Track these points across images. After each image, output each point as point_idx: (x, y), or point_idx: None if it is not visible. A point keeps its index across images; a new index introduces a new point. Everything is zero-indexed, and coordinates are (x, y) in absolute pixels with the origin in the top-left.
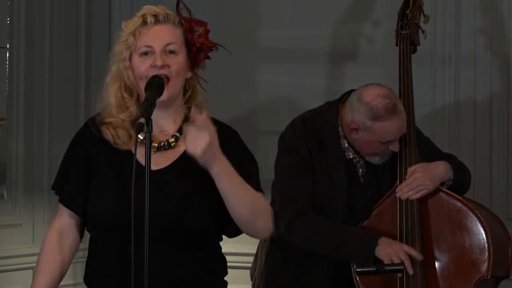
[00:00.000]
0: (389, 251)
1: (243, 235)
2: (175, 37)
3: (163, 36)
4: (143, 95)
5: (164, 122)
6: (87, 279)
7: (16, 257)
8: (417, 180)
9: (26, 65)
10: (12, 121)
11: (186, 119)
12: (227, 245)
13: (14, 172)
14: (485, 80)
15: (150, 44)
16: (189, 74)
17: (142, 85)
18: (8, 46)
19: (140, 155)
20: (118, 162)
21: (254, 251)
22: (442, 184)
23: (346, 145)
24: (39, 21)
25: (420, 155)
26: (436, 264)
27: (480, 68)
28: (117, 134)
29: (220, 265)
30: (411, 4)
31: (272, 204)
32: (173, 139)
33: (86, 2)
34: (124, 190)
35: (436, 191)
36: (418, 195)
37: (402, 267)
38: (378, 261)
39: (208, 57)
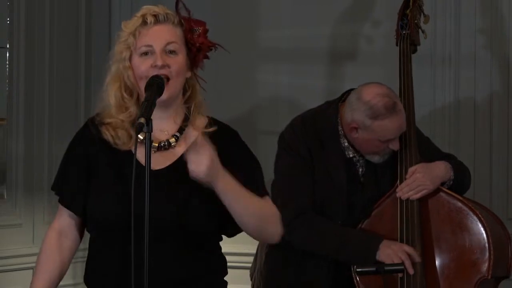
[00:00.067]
0: (389, 252)
1: (243, 235)
2: (175, 37)
3: (163, 36)
4: (143, 95)
5: (164, 122)
6: (87, 279)
7: (16, 257)
8: (418, 180)
9: (26, 65)
10: (12, 121)
11: (186, 119)
12: (227, 245)
13: (14, 172)
14: (485, 80)
15: (150, 43)
16: (188, 74)
17: (142, 85)
18: (8, 46)
19: (140, 155)
20: (118, 162)
21: (254, 251)
22: (442, 184)
23: (346, 144)
24: (39, 21)
25: (420, 155)
26: (437, 264)
27: (480, 68)
28: (116, 135)
29: (220, 265)
30: (411, 4)
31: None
32: (173, 139)
33: (86, 2)
34: (124, 190)
35: (436, 191)
36: (418, 195)
37: (402, 267)
38: (379, 262)
39: (207, 57)
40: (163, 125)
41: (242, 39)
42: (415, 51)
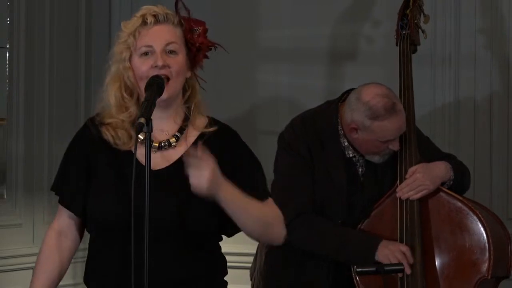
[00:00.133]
0: (386, 252)
1: (243, 235)
2: (175, 37)
3: (163, 36)
4: (143, 95)
5: (164, 122)
6: (87, 279)
7: (16, 257)
8: (418, 180)
9: (26, 65)
10: (12, 121)
11: (186, 119)
12: (227, 245)
13: (14, 172)
14: (485, 80)
15: (151, 44)
16: (188, 74)
17: (142, 85)
18: (8, 46)
19: (141, 155)
20: (118, 162)
21: (254, 251)
22: (442, 184)
23: (346, 143)
24: (39, 21)
25: (420, 155)
26: (437, 264)
27: (480, 68)
28: (117, 135)
29: (220, 265)
30: (411, 4)
31: None
32: (173, 139)
33: (86, 2)
34: (124, 190)
35: (436, 191)
36: (418, 195)
37: (402, 267)
38: (378, 263)
39: (206, 57)
40: (163, 125)
41: (242, 39)
42: (415, 51)
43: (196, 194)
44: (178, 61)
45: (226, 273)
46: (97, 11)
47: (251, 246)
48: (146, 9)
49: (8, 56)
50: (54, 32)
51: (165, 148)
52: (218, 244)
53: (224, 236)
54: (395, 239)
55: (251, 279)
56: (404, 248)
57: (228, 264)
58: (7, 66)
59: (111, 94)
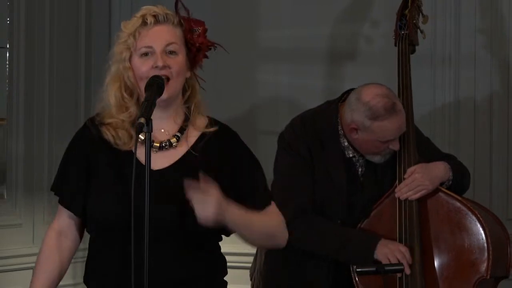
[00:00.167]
0: (385, 251)
1: None
2: (175, 37)
3: (163, 36)
4: (143, 95)
5: (164, 122)
6: (87, 279)
7: (16, 257)
8: (417, 181)
9: (26, 65)
10: (12, 121)
11: (186, 119)
12: (227, 245)
13: (14, 172)
14: (485, 80)
15: (151, 44)
16: (188, 74)
17: (142, 85)
18: (8, 46)
19: (141, 155)
20: (119, 162)
21: (253, 251)
22: (441, 184)
23: (346, 143)
24: (39, 21)
25: (419, 155)
26: (436, 264)
27: (480, 68)
28: (117, 135)
29: (220, 265)
30: (409, 4)
31: None
32: (174, 139)
33: (86, 2)
34: (124, 190)
35: (435, 191)
36: (417, 195)
37: (402, 267)
38: (377, 262)
39: (206, 57)
40: (163, 125)
41: (242, 39)
42: (413, 51)
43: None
44: (178, 61)
45: (226, 273)
46: (97, 11)
47: (251, 246)
48: (146, 9)
49: (8, 56)
50: (54, 32)
51: (166, 148)
52: (218, 244)
53: (224, 236)
54: (394, 239)
55: (251, 279)
56: (403, 248)
57: (228, 264)
58: (7, 66)
59: (111, 94)
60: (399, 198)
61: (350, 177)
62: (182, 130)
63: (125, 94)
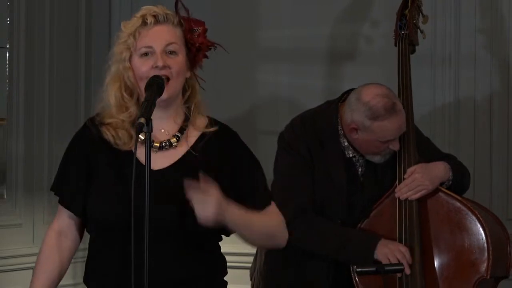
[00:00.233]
0: (385, 251)
1: None
2: (175, 37)
3: (163, 36)
4: (143, 95)
5: (164, 122)
6: (87, 279)
7: (16, 257)
8: (417, 181)
9: (26, 65)
10: (12, 121)
11: (186, 119)
12: (227, 245)
13: (14, 172)
14: (485, 80)
15: (151, 44)
16: (188, 74)
17: (142, 85)
18: (8, 46)
19: (141, 155)
20: (119, 162)
21: (253, 251)
22: (441, 184)
23: (346, 143)
24: (39, 21)
25: (419, 155)
26: (436, 264)
27: (480, 68)
28: (117, 135)
29: (220, 265)
30: (409, 4)
31: None
32: (174, 139)
33: (86, 2)
34: (125, 190)
35: (435, 191)
36: (417, 196)
37: (402, 267)
38: (377, 262)
39: (206, 56)
40: (164, 125)
41: (242, 39)
42: (413, 51)
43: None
44: (178, 61)
45: (226, 273)
46: (97, 11)
47: (251, 246)
48: (146, 9)
49: (8, 56)
50: (54, 32)
51: (166, 148)
52: (218, 244)
53: (224, 236)
54: (394, 239)
55: (251, 279)
56: (403, 248)
57: (228, 264)
58: (7, 66)
59: (111, 94)
60: (399, 198)
61: (350, 177)
62: (182, 130)
63: (125, 94)
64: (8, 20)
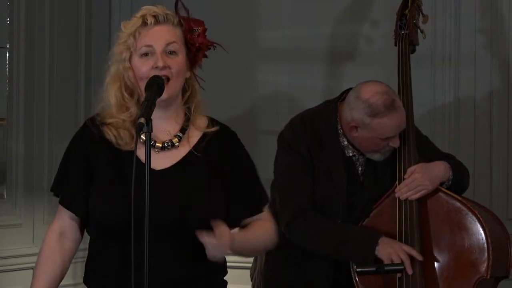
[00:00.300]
0: (389, 250)
1: None
2: (175, 37)
3: (163, 36)
4: (143, 95)
5: (165, 122)
6: (87, 279)
7: (16, 257)
8: (417, 180)
9: (26, 65)
10: (12, 121)
11: (187, 119)
12: None
13: (14, 172)
14: (485, 80)
15: (151, 44)
16: (188, 74)
17: (142, 85)
18: (8, 46)
19: (142, 155)
20: (119, 162)
21: None
22: (441, 184)
23: (346, 143)
24: (39, 21)
25: (419, 155)
26: (436, 264)
27: (480, 68)
28: (119, 135)
29: (220, 265)
30: (409, 4)
31: (272, 204)
32: (176, 139)
33: (86, 2)
34: (125, 190)
35: (435, 191)
36: (417, 195)
37: (402, 267)
38: (378, 261)
39: (206, 56)
40: (165, 125)
41: (242, 39)
42: (413, 51)
43: (197, 194)
44: (178, 61)
45: (226, 273)
46: (97, 11)
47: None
48: (146, 9)
49: (8, 56)
50: (54, 32)
51: (168, 149)
52: None
53: None
54: (394, 239)
55: (251, 279)
56: (407, 247)
57: (228, 264)
58: (7, 66)
59: (111, 94)
60: (399, 198)
61: (350, 176)
62: (183, 130)
63: (125, 94)
64: (8, 20)
